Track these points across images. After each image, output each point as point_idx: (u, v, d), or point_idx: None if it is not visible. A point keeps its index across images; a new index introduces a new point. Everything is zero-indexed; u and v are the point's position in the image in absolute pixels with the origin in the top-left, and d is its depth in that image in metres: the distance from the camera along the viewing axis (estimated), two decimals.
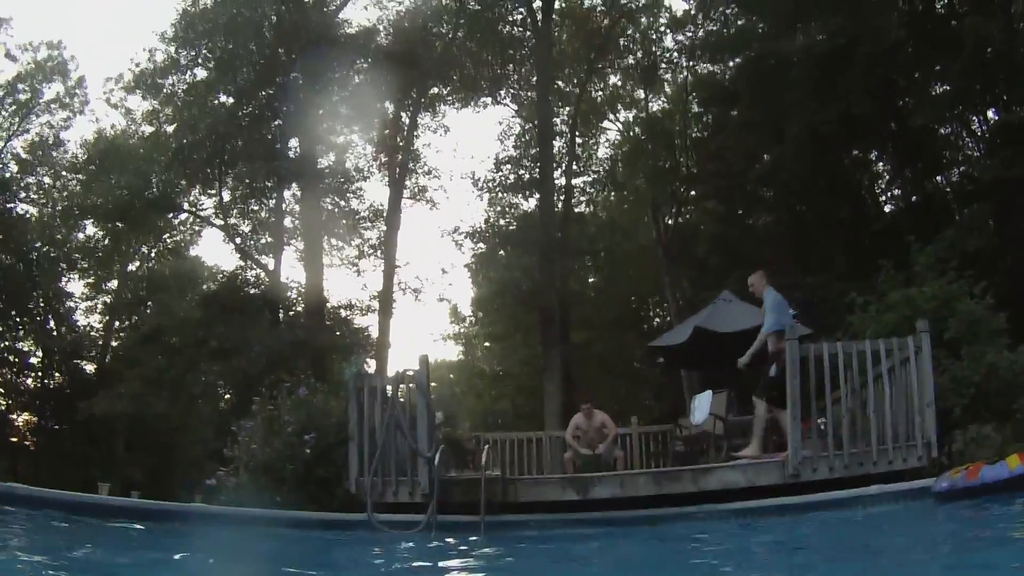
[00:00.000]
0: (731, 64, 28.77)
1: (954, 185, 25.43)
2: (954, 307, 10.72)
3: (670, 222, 32.46)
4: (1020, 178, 18.64)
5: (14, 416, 37.98)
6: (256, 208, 34.33)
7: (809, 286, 21.56)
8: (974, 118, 24.74)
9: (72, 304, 38.98)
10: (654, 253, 32.30)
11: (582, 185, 35.08)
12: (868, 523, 7.53)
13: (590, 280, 36.64)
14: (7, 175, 34.49)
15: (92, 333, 40.00)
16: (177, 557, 4.92)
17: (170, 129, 30.68)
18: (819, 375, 9.20)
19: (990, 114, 23.96)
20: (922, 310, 10.63)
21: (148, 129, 32.95)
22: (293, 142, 30.76)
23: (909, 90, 23.81)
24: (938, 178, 25.66)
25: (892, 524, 7.40)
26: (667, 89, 34.53)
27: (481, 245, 32.40)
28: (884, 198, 29.12)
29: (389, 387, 9.51)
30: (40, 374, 38.20)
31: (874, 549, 5.90)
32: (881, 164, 28.62)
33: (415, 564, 5.80)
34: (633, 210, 35.50)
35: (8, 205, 33.87)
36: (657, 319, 36.81)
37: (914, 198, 25.85)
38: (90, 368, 38.84)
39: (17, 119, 35.21)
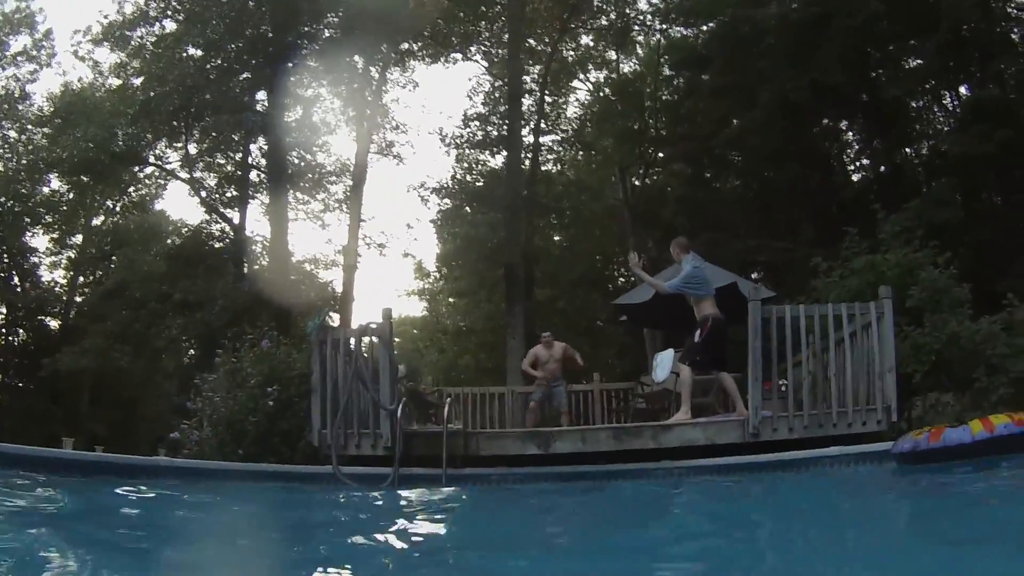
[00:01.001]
0: (704, 28, 28.59)
1: (923, 158, 25.52)
2: (917, 275, 10.80)
3: (637, 183, 32.48)
4: (989, 154, 18.83)
5: None
6: (222, 162, 34.14)
7: (775, 251, 21.73)
8: (946, 93, 24.81)
9: (36, 260, 38.57)
10: (620, 213, 32.33)
11: (550, 144, 35.21)
12: (826, 484, 7.61)
13: (555, 238, 36.62)
14: None
15: (56, 289, 39.60)
16: (139, 511, 4.93)
17: (137, 82, 30.19)
18: (780, 337, 9.29)
19: (962, 90, 24.09)
20: (886, 277, 10.73)
21: (115, 82, 32.41)
22: (261, 95, 30.51)
23: (883, 63, 23.75)
24: (907, 150, 25.75)
25: (850, 485, 7.45)
26: (639, 51, 34.42)
27: (447, 201, 32.49)
28: (853, 168, 29.14)
29: (352, 340, 9.50)
30: (4, 331, 37.89)
31: (832, 508, 5.95)
32: (851, 134, 28.60)
33: (378, 517, 5.83)
34: (600, 170, 35.44)
35: None
36: (621, 279, 36.80)
37: (883, 169, 26.00)
38: (54, 324, 38.57)
39: None
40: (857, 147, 28.82)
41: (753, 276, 12.69)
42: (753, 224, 25.18)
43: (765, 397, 9.35)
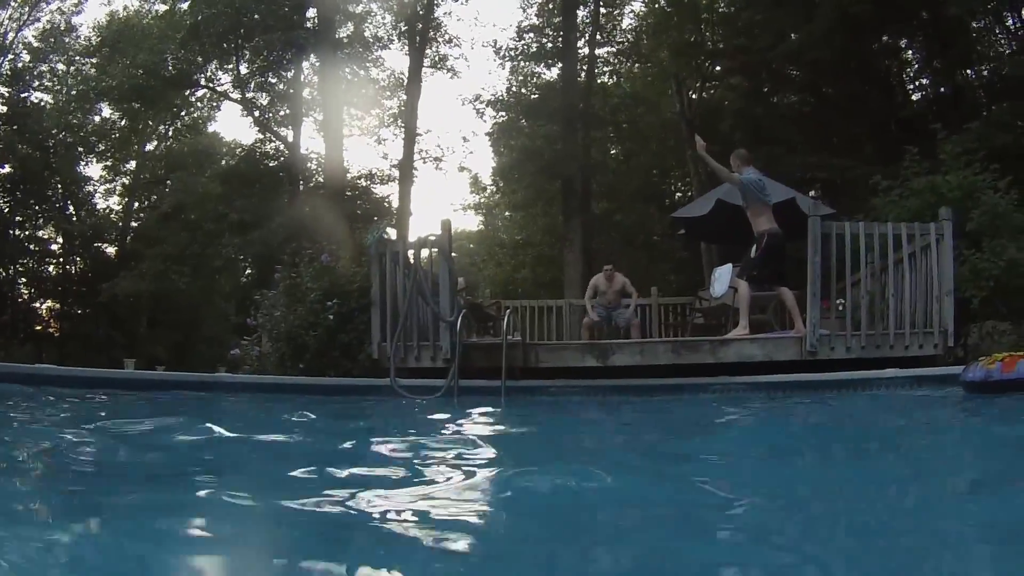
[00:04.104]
0: None
1: (983, 80, 24.96)
2: (978, 199, 10.62)
3: (694, 96, 31.92)
4: None
5: (37, 304, 38.55)
6: (274, 81, 34.23)
7: (833, 168, 21.38)
8: (1008, 14, 24.10)
9: (91, 188, 39.33)
10: (677, 127, 31.89)
11: (605, 56, 34.56)
12: (894, 406, 7.46)
13: (612, 152, 36.43)
14: (19, 65, 34.19)
15: (112, 216, 40.28)
16: (203, 426, 5.01)
17: (185, 5, 30.25)
18: (840, 255, 9.17)
19: None
20: (945, 199, 10.56)
21: (162, 7, 32.54)
22: (311, 12, 30.33)
23: None
24: (968, 72, 25.15)
25: (921, 410, 7.28)
26: None
27: (503, 114, 32.25)
28: (912, 87, 28.70)
29: (411, 252, 9.51)
30: (62, 260, 38.61)
31: (900, 432, 5.84)
32: (911, 52, 28.07)
33: (437, 428, 5.86)
34: (657, 83, 34.83)
35: (22, 95, 33.73)
36: (679, 193, 36.61)
37: (943, 89, 25.51)
38: (111, 251, 39.27)
39: (27, 8, 34.73)
40: (917, 66, 28.29)
41: (811, 193, 12.47)
42: (811, 141, 24.81)
43: (823, 316, 9.27)
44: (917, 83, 28.61)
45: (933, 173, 11.92)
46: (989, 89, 24.06)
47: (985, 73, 25.17)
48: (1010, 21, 24.26)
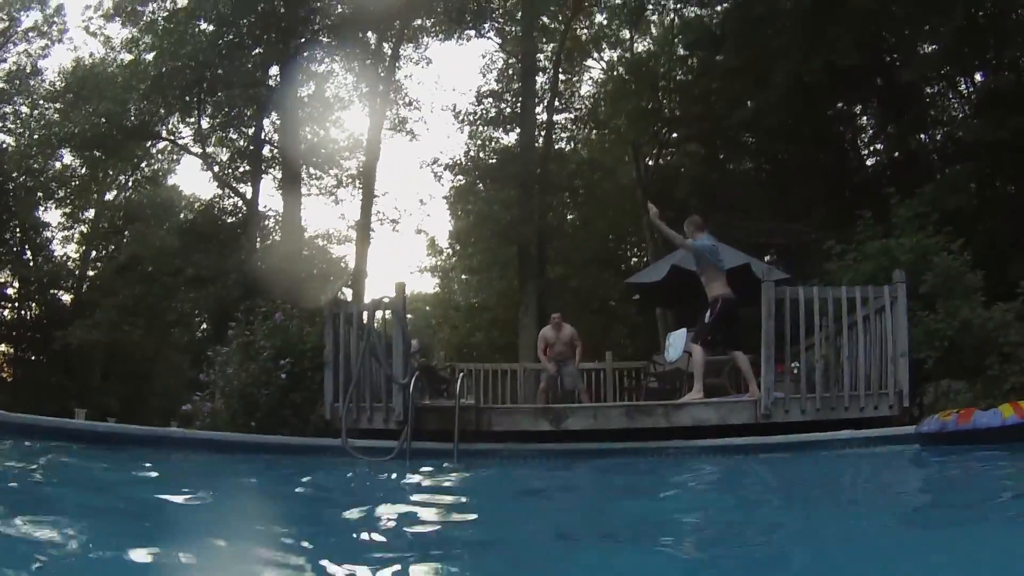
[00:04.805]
0: (719, 8, 28.42)
1: (937, 144, 25.50)
2: (931, 261, 10.80)
3: (650, 163, 32.34)
4: (1003, 141, 18.80)
5: None
6: (235, 136, 34.19)
7: (787, 232, 21.68)
8: (961, 79, 24.74)
9: (49, 234, 38.73)
10: (633, 193, 32.19)
11: (563, 122, 35.11)
12: (846, 465, 7.53)
13: (568, 217, 36.58)
14: None
15: (69, 263, 39.79)
16: (152, 481, 4.96)
17: (149, 57, 30.25)
18: (794, 319, 9.27)
19: (977, 76, 24.01)
20: (899, 262, 10.72)
21: (127, 57, 32.43)
22: (273, 70, 30.53)
23: (898, 46, 23.67)
24: (922, 136, 25.71)
25: (874, 466, 7.37)
26: (653, 31, 34.13)
27: (460, 178, 32.39)
28: (867, 152, 29.12)
29: (365, 313, 9.50)
30: (16, 305, 38.06)
31: (855, 489, 5.90)
32: (865, 118, 28.61)
33: (388, 490, 5.84)
34: (614, 149, 35.31)
35: None
36: (635, 258, 36.83)
37: (896, 154, 26.02)
38: (67, 298, 38.76)
39: None
40: (871, 131, 28.80)
41: (766, 259, 12.70)
42: (766, 206, 25.17)
43: (777, 379, 9.35)
44: (871, 148, 29.07)
45: (887, 236, 12.12)
46: (942, 152, 24.50)
47: (939, 137, 25.66)
48: (963, 86, 24.81)
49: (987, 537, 2.89)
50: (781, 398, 9.17)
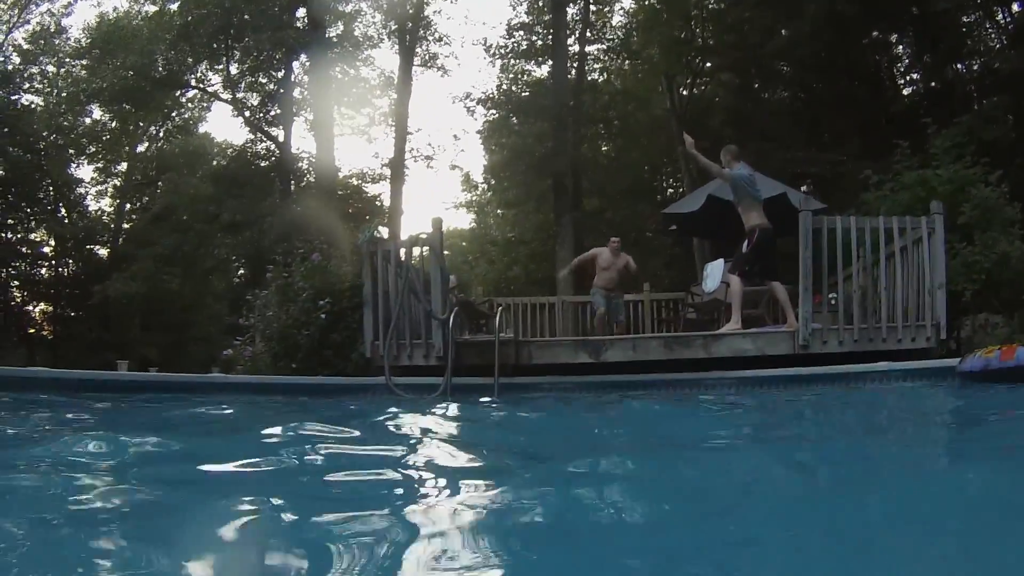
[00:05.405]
0: None
1: (974, 75, 24.97)
2: (969, 192, 10.65)
3: (684, 93, 31.91)
4: None
5: (30, 307, 38.43)
6: (264, 81, 34.15)
7: (823, 163, 21.42)
8: (998, 8, 24.08)
9: (82, 190, 39.11)
10: (668, 123, 31.88)
11: (596, 53, 34.70)
12: (888, 399, 7.46)
13: (603, 149, 36.42)
14: (9, 67, 34.06)
15: (104, 218, 40.10)
16: (195, 426, 5.02)
17: (174, 7, 30.22)
18: (831, 249, 9.18)
19: (1015, 7, 23.48)
20: (936, 192, 10.60)
21: (151, 8, 32.45)
22: (301, 12, 30.33)
23: None
24: (958, 66, 25.18)
25: (915, 401, 7.28)
26: None
27: (493, 112, 32.25)
28: (903, 82, 28.72)
29: (403, 250, 9.50)
30: (54, 263, 38.47)
31: (894, 424, 5.83)
32: (901, 47, 28.05)
33: (431, 426, 5.85)
34: (647, 80, 34.86)
35: (12, 97, 33.58)
36: (670, 190, 36.57)
37: (933, 84, 25.56)
38: (103, 253, 39.07)
39: (17, 10, 34.54)
40: (907, 61, 28.27)
41: (802, 189, 12.56)
42: (801, 136, 24.86)
43: (815, 310, 9.29)
44: (907, 78, 28.70)
45: (923, 167, 11.95)
46: (980, 83, 24.06)
47: (976, 68, 25.12)
48: (1000, 16, 24.23)
49: None
50: (819, 329, 9.14)
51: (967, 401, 6.76)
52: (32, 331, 38.07)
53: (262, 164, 35.78)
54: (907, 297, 9.20)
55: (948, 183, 11.11)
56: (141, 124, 38.45)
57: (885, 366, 8.11)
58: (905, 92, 27.79)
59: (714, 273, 12.92)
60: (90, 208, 39.76)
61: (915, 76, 27.99)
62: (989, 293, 9.76)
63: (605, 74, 36.16)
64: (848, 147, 22.39)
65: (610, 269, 13.33)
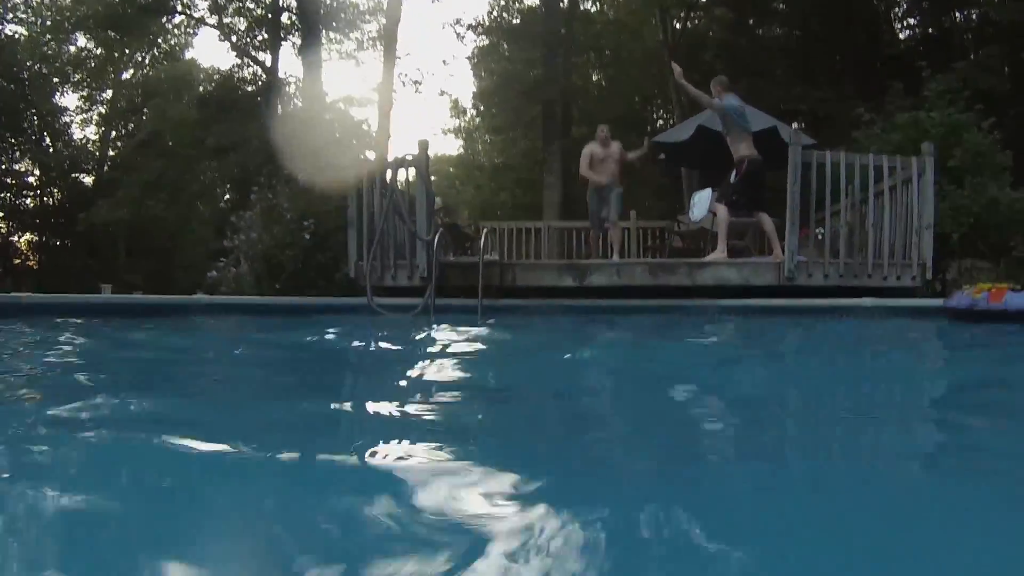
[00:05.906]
0: None
1: (972, 24, 24.87)
2: (960, 137, 10.64)
3: (678, 26, 31.58)
4: None
5: (15, 238, 38.31)
6: (252, 5, 33.62)
7: (816, 100, 21.33)
8: None
9: (67, 119, 38.88)
10: (660, 55, 31.57)
11: None
12: (872, 333, 7.46)
13: (594, 78, 36.20)
14: None
15: (89, 146, 39.85)
16: (181, 347, 5.02)
17: None
18: (820, 184, 9.16)
19: None
20: (928, 135, 10.59)
21: None
22: None
23: None
24: (956, 14, 25.02)
25: (901, 335, 7.29)
26: None
27: (484, 38, 32.17)
28: (899, 26, 28.61)
29: (388, 172, 9.42)
30: (39, 192, 38.29)
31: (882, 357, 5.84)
32: None
33: (414, 346, 5.84)
34: (640, 11, 34.37)
35: None
36: (660, 120, 36.41)
37: (930, 30, 25.43)
38: (88, 180, 38.94)
39: None
40: (905, 6, 28.10)
41: (793, 125, 12.49)
42: (795, 73, 24.69)
43: (801, 243, 9.31)
44: (904, 23, 28.57)
45: (916, 110, 11.92)
46: (977, 33, 23.99)
47: (974, 17, 24.99)
48: None
49: None
50: (804, 261, 9.14)
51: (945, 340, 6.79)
52: (18, 262, 37.98)
53: (249, 89, 35.45)
54: (894, 236, 9.23)
55: (940, 126, 11.11)
56: (127, 51, 38.07)
57: (871, 302, 8.14)
58: (902, 36, 27.72)
59: (701, 202, 12.92)
60: (75, 136, 39.62)
61: (912, 21, 27.92)
62: (976, 237, 9.79)
63: (597, 3, 35.80)
64: (841, 87, 22.28)
65: (606, 160, 12.71)
